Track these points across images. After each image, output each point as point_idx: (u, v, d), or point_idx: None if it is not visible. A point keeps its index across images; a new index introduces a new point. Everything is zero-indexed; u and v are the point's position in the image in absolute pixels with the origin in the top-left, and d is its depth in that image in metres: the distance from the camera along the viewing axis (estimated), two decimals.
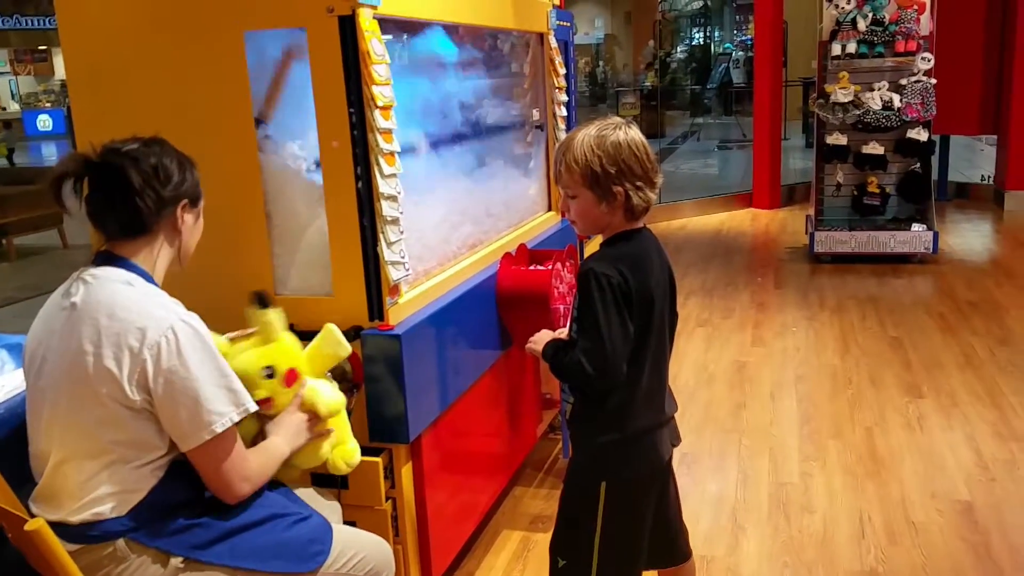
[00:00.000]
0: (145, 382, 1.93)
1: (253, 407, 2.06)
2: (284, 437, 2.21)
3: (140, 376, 1.93)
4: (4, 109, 30.52)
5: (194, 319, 2.01)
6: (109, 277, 2.03)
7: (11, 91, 31.30)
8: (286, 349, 2.27)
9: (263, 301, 2.22)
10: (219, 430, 1.97)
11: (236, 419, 2.00)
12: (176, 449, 2.01)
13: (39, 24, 26.49)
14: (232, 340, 2.28)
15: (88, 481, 1.96)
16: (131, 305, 1.97)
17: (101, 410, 1.94)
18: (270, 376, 2.22)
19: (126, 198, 2.03)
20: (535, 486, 3.84)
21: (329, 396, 2.31)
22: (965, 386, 4.78)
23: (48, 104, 29.61)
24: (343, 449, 2.37)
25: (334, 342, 2.33)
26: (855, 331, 5.81)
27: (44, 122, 28.14)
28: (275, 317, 2.25)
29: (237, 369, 2.11)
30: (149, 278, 2.08)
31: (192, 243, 2.21)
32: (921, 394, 4.70)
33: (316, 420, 2.28)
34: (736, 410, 4.65)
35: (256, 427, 2.25)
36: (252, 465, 2.09)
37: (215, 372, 1.99)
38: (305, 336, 2.35)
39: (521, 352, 3.29)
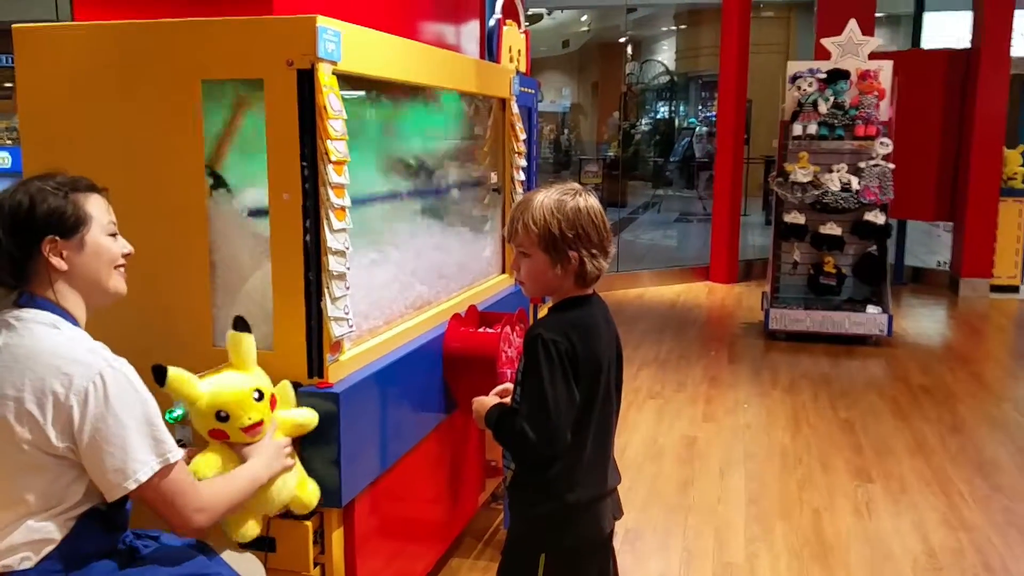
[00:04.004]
0: (70, 429, 1.87)
1: (175, 457, 1.99)
2: (264, 461, 2.21)
3: (65, 423, 1.86)
4: None
5: (123, 364, 1.95)
6: (35, 319, 1.95)
7: None
8: (264, 375, 2.32)
9: (243, 325, 2.25)
10: (143, 479, 1.91)
11: (157, 468, 1.93)
12: (89, 500, 1.95)
13: (5, 62, 26.39)
14: (201, 376, 2.24)
15: None
16: (57, 350, 1.91)
17: (20, 456, 1.88)
18: (260, 399, 2.24)
19: None
20: (473, 557, 3.73)
21: (302, 413, 2.37)
22: (915, 473, 4.74)
23: (9, 142, 29.32)
24: (304, 490, 2.40)
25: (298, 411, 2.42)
26: (807, 411, 5.77)
27: (3, 159, 27.81)
28: (252, 344, 2.28)
29: (230, 391, 2.18)
30: (74, 321, 2.01)
31: (95, 276, 2.05)
32: (870, 479, 4.66)
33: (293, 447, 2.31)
34: (683, 486, 4.57)
35: (224, 458, 2.24)
36: (204, 496, 2.03)
37: (142, 420, 1.92)
38: None
39: (465, 417, 3.22)
